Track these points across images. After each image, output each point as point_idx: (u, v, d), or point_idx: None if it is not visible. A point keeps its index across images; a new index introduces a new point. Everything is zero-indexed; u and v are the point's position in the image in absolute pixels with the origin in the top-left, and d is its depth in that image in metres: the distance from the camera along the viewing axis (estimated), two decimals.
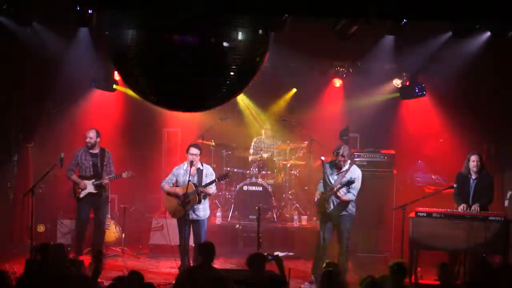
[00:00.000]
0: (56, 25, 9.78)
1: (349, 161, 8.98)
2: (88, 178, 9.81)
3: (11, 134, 11.11)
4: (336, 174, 8.94)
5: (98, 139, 9.89)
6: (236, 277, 6.72)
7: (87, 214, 9.93)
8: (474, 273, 7.06)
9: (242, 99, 12.30)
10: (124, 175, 9.98)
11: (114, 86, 11.37)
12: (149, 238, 10.73)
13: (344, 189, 8.85)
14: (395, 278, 6.55)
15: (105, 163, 9.86)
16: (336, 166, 8.99)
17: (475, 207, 8.87)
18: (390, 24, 8.33)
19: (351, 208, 8.99)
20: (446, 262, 8.30)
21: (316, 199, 9.02)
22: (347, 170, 8.93)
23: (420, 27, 9.15)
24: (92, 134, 9.83)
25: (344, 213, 8.95)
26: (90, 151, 9.85)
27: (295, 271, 9.20)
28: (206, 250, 7.07)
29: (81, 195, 9.78)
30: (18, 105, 10.90)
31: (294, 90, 12.36)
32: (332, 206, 8.89)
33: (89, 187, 9.78)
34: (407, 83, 11.40)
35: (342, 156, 8.88)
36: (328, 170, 9.02)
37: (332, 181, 8.94)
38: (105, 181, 9.84)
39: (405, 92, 11.49)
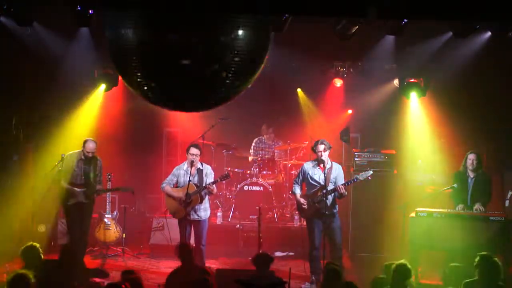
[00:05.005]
0: (56, 25, 9.78)
1: (327, 153, 8.92)
2: (78, 186, 9.27)
3: (11, 134, 11.10)
4: (322, 173, 8.88)
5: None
6: (239, 277, 6.72)
7: (79, 225, 9.37)
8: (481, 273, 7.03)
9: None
10: (121, 189, 9.68)
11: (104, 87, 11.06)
12: (150, 238, 10.74)
13: (331, 185, 8.86)
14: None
15: (97, 172, 9.37)
16: (318, 162, 8.96)
17: (478, 207, 8.88)
18: (390, 24, 8.35)
19: (337, 205, 9.03)
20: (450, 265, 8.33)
21: (305, 204, 8.97)
22: (330, 167, 8.91)
23: (420, 27, 9.16)
24: (92, 145, 9.25)
25: (334, 211, 8.98)
26: (84, 158, 9.32)
27: (295, 271, 9.22)
28: (183, 252, 7.40)
29: (69, 202, 9.28)
30: (18, 105, 10.89)
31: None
32: (325, 207, 8.84)
33: (80, 196, 9.26)
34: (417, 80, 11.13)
35: (319, 151, 8.85)
36: (311, 171, 9.01)
37: (319, 180, 8.91)
38: (99, 192, 9.37)
39: (420, 90, 11.19)
